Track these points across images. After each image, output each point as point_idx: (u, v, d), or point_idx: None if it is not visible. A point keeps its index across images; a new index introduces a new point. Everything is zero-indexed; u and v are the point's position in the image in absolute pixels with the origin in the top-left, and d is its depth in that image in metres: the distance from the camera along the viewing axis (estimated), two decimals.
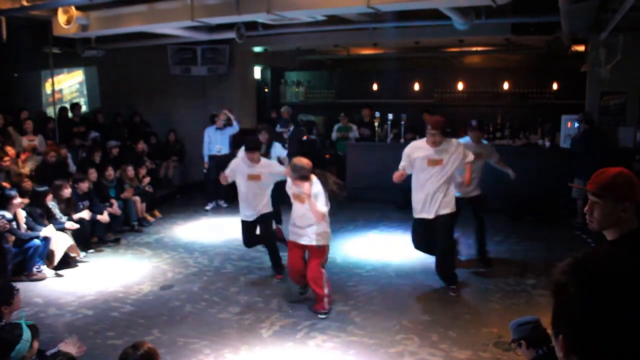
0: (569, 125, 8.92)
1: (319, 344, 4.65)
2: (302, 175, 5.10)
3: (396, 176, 5.61)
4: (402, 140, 9.81)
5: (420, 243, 5.73)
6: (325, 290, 5.19)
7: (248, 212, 6.15)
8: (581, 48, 10.29)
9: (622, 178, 2.15)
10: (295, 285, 5.69)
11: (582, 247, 1.08)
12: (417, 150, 5.53)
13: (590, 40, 8.68)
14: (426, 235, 5.60)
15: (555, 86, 11.91)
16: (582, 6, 5.66)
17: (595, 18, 7.09)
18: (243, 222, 6.26)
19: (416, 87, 13.14)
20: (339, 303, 5.52)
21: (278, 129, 9.77)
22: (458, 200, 5.78)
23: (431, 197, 5.42)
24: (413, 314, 5.22)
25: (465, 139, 6.49)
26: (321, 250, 5.25)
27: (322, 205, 5.10)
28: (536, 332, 3.00)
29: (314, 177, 5.17)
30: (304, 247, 5.30)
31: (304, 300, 5.60)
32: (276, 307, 5.46)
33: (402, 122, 9.80)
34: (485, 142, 6.89)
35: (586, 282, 1.00)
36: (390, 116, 9.78)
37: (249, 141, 6.21)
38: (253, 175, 6.03)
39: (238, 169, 6.12)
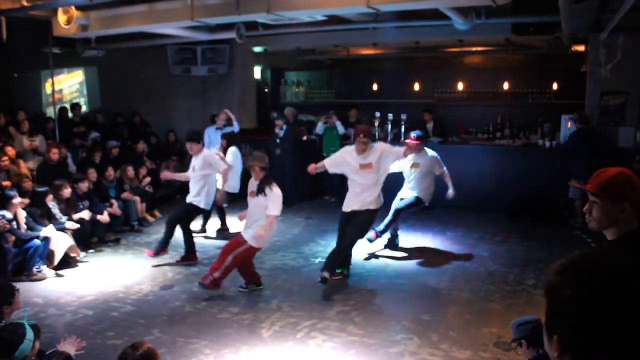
0: (569, 125, 8.92)
1: (319, 344, 4.65)
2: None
3: None
4: (402, 140, 9.79)
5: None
6: (217, 274, 5.60)
7: None
8: (581, 48, 10.29)
9: (621, 178, 2.15)
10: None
11: (582, 247, 1.08)
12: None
13: (590, 40, 8.68)
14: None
15: (555, 86, 11.90)
16: (582, 6, 5.66)
17: (595, 18, 7.09)
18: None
19: (416, 87, 13.13)
20: (339, 303, 5.52)
21: (273, 117, 9.96)
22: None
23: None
24: (413, 314, 5.22)
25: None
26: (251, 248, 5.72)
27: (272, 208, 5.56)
28: (536, 331, 3.00)
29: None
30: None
31: (304, 300, 5.60)
32: (276, 307, 5.46)
33: (402, 122, 9.78)
34: (429, 152, 7.10)
35: (582, 282, 1.00)
36: (390, 116, 9.77)
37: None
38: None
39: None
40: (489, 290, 5.78)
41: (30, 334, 3.22)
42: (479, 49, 12.80)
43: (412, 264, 6.68)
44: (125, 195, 8.39)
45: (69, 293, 5.90)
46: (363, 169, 5.96)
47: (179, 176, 7.35)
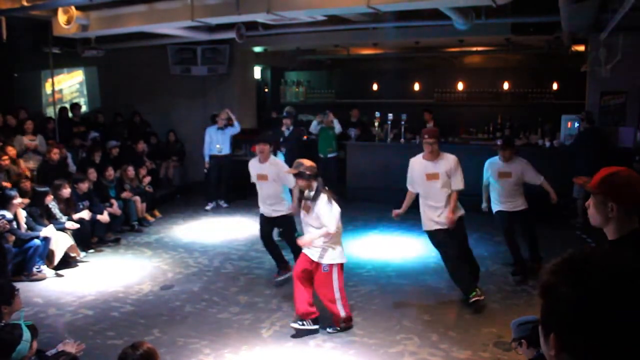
0: (569, 125, 8.92)
1: (319, 344, 4.65)
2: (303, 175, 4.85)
3: None
4: (402, 140, 9.81)
5: None
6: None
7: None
8: (581, 48, 10.29)
9: (617, 178, 2.14)
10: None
11: (582, 247, 1.09)
12: None
13: (590, 40, 8.68)
14: None
15: (555, 86, 11.91)
16: (582, 6, 5.66)
17: (595, 18, 7.09)
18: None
19: (416, 87, 13.14)
20: None
21: (283, 114, 9.98)
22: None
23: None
24: (413, 314, 5.22)
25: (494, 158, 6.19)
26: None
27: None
28: (536, 331, 2.98)
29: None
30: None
31: None
32: (276, 307, 5.46)
33: (402, 122, 9.79)
34: (521, 159, 6.24)
35: (578, 280, 1.01)
36: (390, 116, 9.77)
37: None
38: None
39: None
40: (489, 290, 5.77)
41: (27, 334, 3.21)
42: (479, 49, 12.81)
43: (412, 264, 6.68)
44: (125, 195, 8.40)
45: (69, 293, 5.90)
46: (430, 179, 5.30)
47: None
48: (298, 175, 4.87)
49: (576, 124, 8.73)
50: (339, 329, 4.86)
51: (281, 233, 6.65)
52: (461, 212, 5.39)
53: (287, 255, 6.16)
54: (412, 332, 4.82)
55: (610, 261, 1.03)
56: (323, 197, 4.76)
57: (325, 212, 4.71)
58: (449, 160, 5.34)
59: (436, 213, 5.32)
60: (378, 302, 5.54)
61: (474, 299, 5.19)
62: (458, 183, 5.32)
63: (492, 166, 6.11)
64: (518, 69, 12.92)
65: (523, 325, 3.09)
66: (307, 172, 4.81)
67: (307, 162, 4.91)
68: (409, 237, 7.70)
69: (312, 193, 4.81)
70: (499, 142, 6.24)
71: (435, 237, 5.40)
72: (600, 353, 0.99)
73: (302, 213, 4.92)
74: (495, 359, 4.35)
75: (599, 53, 8.29)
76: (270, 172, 5.91)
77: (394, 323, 5.02)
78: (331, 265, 4.79)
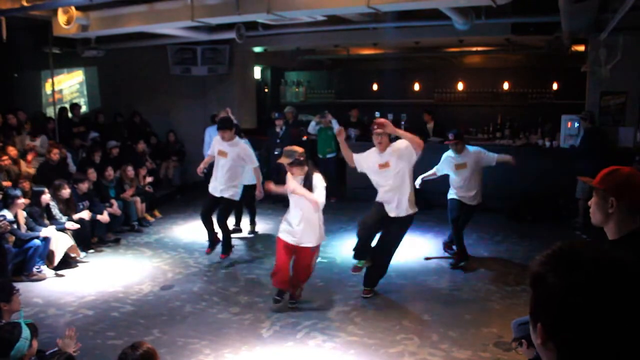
0: (568, 125, 8.91)
1: (319, 344, 4.65)
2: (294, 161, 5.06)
3: None
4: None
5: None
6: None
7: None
8: (581, 48, 10.29)
9: (618, 175, 2.14)
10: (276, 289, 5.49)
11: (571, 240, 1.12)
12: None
13: (590, 40, 8.68)
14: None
15: (555, 86, 11.92)
16: (582, 6, 5.65)
17: (595, 18, 7.09)
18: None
19: (416, 87, 13.15)
20: (339, 303, 5.52)
21: (274, 116, 9.96)
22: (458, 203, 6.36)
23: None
24: (413, 314, 5.22)
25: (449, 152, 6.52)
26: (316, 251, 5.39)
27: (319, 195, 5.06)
28: None
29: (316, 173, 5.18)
30: (293, 249, 5.25)
31: (304, 300, 5.59)
32: (276, 307, 5.45)
33: (402, 122, 9.78)
34: (470, 148, 6.55)
35: (565, 271, 1.04)
36: (390, 116, 9.76)
37: None
38: None
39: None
40: (489, 290, 5.78)
41: (26, 332, 3.21)
42: (479, 49, 12.81)
43: (412, 264, 6.67)
44: (125, 195, 8.39)
45: (69, 293, 5.90)
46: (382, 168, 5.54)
47: None
48: (293, 164, 5.04)
49: (576, 124, 8.73)
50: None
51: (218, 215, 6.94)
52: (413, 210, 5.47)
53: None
54: (412, 332, 4.82)
55: (596, 254, 1.05)
56: (317, 174, 5.12)
57: (321, 185, 5.04)
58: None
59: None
60: (378, 302, 5.54)
61: (357, 267, 5.74)
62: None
63: (448, 160, 6.44)
64: (518, 69, 12.92)
65: (523, 325, 3.09)
66: (301, 158, 5.04)
67: (297, 148, 5.12)
68: (409, 237, 7.69)
69: (304, 176, 5.08)
70: (450, 137, 6.43)
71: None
72: (584, 343, 1.01)
73: (294, 195, 5.14)
74: (495, 359, 4.35)
75: (599, 53, 8.29)
76: (231, 152, 6.60)
77: (394, 323, 5.02)
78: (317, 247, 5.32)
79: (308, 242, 5.19)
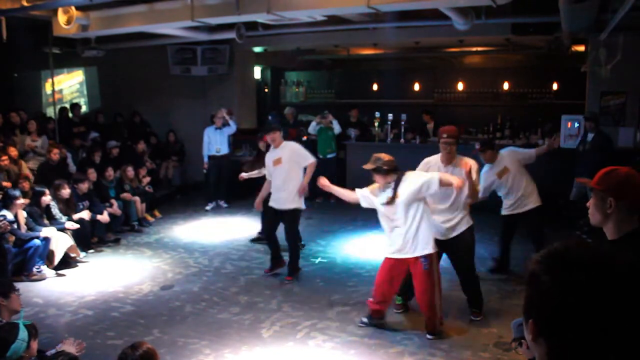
0: (568, 126, 8.91)
1: (319, 344, 4.65)
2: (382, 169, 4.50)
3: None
4: (402, 140, 9.80)
5: None
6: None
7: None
8: (581, 48, 10.28)
9: (616, 174, 2.14)
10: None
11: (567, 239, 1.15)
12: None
13: (590, 40, 8.68)
14: None
15: (555, 86, 11.91)
16: (582, 6, 5.65)
17: (595, 18, 7.08)
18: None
19: (416, 87, 13.14)
20: (339, 303, 5.52)
21: (269, 118, 9.85)
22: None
23: None
24: (413, 314, 5.22)
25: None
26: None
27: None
28: None
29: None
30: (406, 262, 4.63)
31: (304, 300, 5.60)
32: (276, 307, 5.45)
33: (402, 123, 9.79)
34: (503, 151, 6.23)
35: (558, 269, 1.07)
36: (390, 116, 9.77)
37: None
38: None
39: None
40: (489, 290, 5.77)
41: (23, 334, 3.20)
42: (479, 49, 12.81)
43: None
44: (125, 195, 8.40)
45: (69, 293, 5.90)
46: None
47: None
48: (375, 171, 4.52)
49: (576, 124, 8.72)
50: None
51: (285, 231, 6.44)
52: None
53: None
54: (412, 332, 4.81)
55: (589, 254, 1.08)
56: (407, 176, 4.48)
57: (421, 178, 4.42)
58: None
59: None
60: None
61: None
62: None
63: (487, 175, 5.98)
64: (518, 69, 12.92)
65: (523, 325, 3.09)
66: (385, 167, 4.47)
67: (386, 156, 4.53)
68: None
69: (390, 189, 4.48)
70: (477, 146, 6.13)
71: None
72: (573, 340, 1.05)
73: (385, 209, 4.56)
74: (495, 359, 4.35)
75: (599, 53, 8.28)
76: (284, 155, 6.04)
77: (394, 323, 5.01)
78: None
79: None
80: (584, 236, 7.44)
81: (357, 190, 4.82)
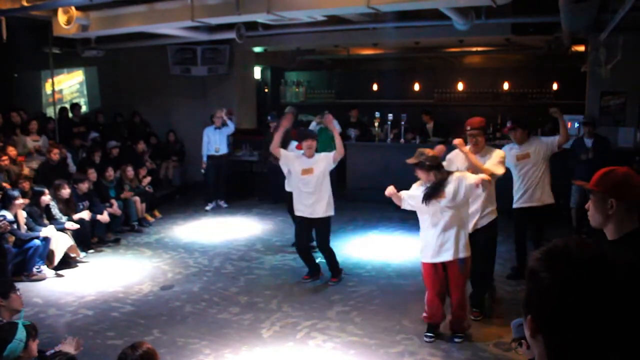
0: (568, 126, 8.90)
1: (319, 344, 4.65)
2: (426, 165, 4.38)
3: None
4: (402, 140, 9.80)
5: None
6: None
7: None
8: (581, 48, 10.29)
9: (614, 175, 2.14)
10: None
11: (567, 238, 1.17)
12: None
13: (590, 40, 8.68)
14: None
15: (555, 86, 11.91)
16: (582, 6, 5.65)
17: (595, 18, 7.08)
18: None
19: (416, 87, 13.14)
20: (339, 303, 5.52)
21: (268, 119, 9.77)
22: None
23: None
24: (413, 314, 5.21)
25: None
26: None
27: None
28: None
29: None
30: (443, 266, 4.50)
31: (304, 300, 5.60)
32: (276, 307, 5.46)
33: (402, 123, 9.78)
34: (534, 138, 6.15)
35: (555, 266, 1.09)
36: (390, 116, 9.77)
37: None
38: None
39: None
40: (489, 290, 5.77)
41: (21, 334, 3.18)
42: (479, 49, 12.81)
43: (412, 264, 6.66)
44: (125, 195, 8.39)
45: (69, 293, 5.90)
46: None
47: None
48: (417, 165, 4.40)
49: (576, 124, 8.72)
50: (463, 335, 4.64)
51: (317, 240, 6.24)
52: None
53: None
54: (412, 332, 4.81)
55: (587, 253, 1.10)
56: (454, 176, 4.38)
57: (469, 180, 4.32)
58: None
59: None
60: (378, 302, 5.54)
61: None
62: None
63: (509, 155, 5.87)
64: (518, 69, 12.92)
65: (523, 325, 3.09)
66: (427, 163, 4.36)
67: (429, 152, 4.45)
68: (409, 237, 7.70)
69: (430, 184, 4.38)
70: (509, 124, 6.13)
71: None
72: (570, 337, 1.07)
73: (427, 209, 4.43)
74: (495, 359, 4.35)
75: (599, 53, 8.28)
76: (318, 168, 5.86)
77: (394, 323, 5.02)
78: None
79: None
80: (584, 236, 7.44)
81: (401, 193, 4.66)
